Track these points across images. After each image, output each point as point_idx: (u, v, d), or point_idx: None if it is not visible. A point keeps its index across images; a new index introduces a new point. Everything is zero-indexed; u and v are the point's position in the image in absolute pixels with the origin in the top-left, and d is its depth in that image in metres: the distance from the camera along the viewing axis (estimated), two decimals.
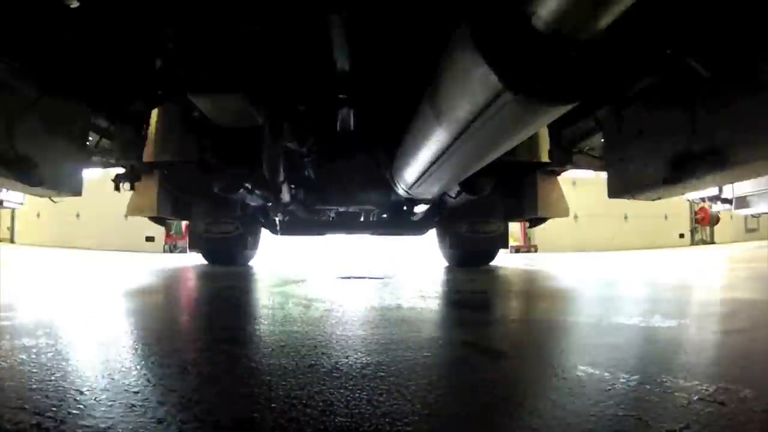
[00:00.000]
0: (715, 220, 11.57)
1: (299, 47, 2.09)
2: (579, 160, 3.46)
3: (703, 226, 12.21)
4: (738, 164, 1.72)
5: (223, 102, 2.21)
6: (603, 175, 2.95)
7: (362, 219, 5.73)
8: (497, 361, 1.10)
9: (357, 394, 0.82)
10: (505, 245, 4.66)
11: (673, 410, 0.74)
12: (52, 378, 0.89)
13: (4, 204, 9.19)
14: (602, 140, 2.83)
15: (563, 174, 4.08)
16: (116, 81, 2.45)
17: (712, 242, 12.28)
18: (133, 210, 3.71)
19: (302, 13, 1.81)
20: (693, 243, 12.29)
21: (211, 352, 1.17)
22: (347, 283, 3.16)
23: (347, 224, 5.05)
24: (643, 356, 1.14)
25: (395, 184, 2.61)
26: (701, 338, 1.31)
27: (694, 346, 1.21)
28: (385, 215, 4.89)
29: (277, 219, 4.54)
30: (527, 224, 4.74)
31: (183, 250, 9.52)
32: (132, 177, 3.32)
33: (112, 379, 0.90)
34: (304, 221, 4.57)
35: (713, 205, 9.83)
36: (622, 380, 0.88)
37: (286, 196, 3.30)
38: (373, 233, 4.93)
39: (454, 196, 3.34)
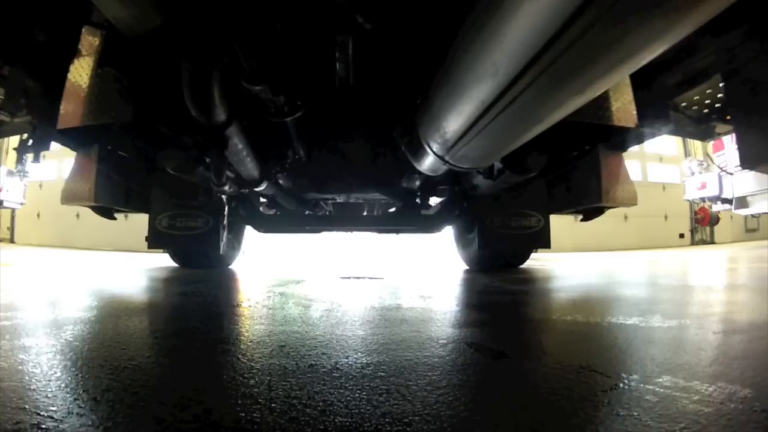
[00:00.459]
0: (715, 220, 11.57)
1: None
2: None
3: (703, 226, 12.21)
4: None
5: None
6: None
7: (365, 213, 5.04)
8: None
9: (357, 395, 0.82)
10: (546, 244, 3.56)
11: None
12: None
13: (4, 204, 9.20)
14: (723, 88, 2.05)
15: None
16: None
17: (712, 242, 12.28)
18: (66, 197, 2.92)
19: None
20: (693, 243, 12.28)
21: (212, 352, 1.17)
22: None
23: (347, 219, 4.40)
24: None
25: (427, 144, 1.80)
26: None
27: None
28: (392, 209, 4.14)
29: (262, 212, 3.96)
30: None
31: None
32: (39, 145, 2.60)
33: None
34: (294, 215, 3.95)
35: (713, 205, 9.84)
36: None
37: (257, 176, 2.62)
38: (378, 230, 4.16)
39: (492, 177, 2.50)
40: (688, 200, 10.67)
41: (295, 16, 1.75)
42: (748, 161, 1.88)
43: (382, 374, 0.95)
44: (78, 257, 6.34)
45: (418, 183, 3.17)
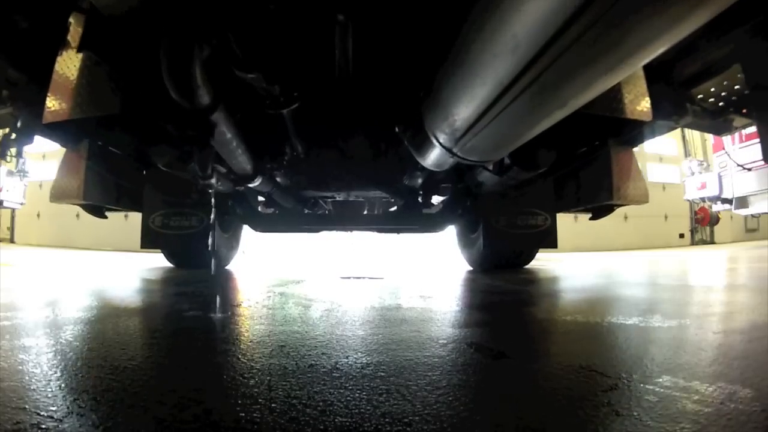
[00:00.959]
0: (715, 220, 11.58)
1: None
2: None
3: (703, 226, 12.21)
4: None
5: None
6: None
7: (365, 212, 4.90)
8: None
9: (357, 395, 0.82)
10: (553, 243, 3.48)
11: None
12: None
13: (4, 204, 9.22)
14: (744, 79, 1.95)
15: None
16: None
17: (712, 242, 12.28)
18: (54, 194, 2.80)
19: None
20: (693, 243, 12.29)
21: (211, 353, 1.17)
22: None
23: (347, 218, 4.26)
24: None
25: (433, 136, 1.69)
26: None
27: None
28: (393, 208, 4.06)
29: (259, 211, 3.87)
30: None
31: None
32: (22, 139, 2.46)
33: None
34: (292, 214, 3.85)
35: (713, 205, 9.85)
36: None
37: (249, 171, 2.50)
38: (379, 230, 4.06)
39: (499, 173, 2.41)
40: (688, 200, 10.68)
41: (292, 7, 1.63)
42: None
43: (382, 374, 0.95)
44: (78, 257, 6.34)
45: (420, 181, 3.05)
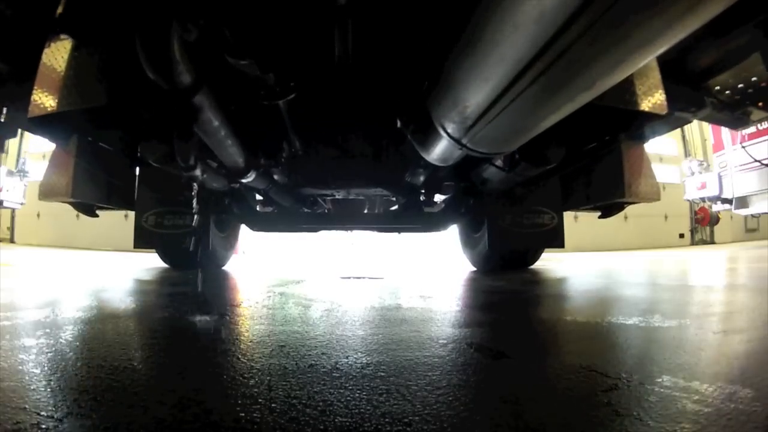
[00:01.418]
0: (715, 220, 11.58)
1: None
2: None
3: (703, 226, 12.21)
4: None
5: None
6: None
7: (366, 211, 4.79)
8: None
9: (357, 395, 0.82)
10: (560, 243, 3.39)
11: None
12: None
13: (4, 204, 9.21)
14: (765, 68, 1.88)
15: None
16: None
17: (712, 242, 12.28)
18: (43, 192, 2.70)
19: None
20: (693, 243, 12.29)
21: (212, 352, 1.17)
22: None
23: (347, 217, 4.18)
24: None
25: (440, 126, 1.57)
26: None
27: None
28: (394, 207, 3.99)
29: (257, 210, 3.79)
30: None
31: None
32: (5, 132, 2.40)
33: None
34: (290, 213, 3.76)
35: (713, 205, 9.85)
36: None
37: (241, 164, 2.40)
38: (379, 229, 3.96)
39: (508, 169, 2.32)
40: (688, 200, 10.67)
41: None
42: None
43: (382, 374, 0.95)
44: (77, 257, 6.34)
45: (422, 178, 2.97)
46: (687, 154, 12.40)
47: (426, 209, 3.57)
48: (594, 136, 2.75)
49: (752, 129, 7.57)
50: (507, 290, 2.58)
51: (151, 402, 0.78)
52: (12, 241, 11.12)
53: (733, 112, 2.33)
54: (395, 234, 4.37)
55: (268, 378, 0.92)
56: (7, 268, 4.15)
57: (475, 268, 4.00)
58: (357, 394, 0.82)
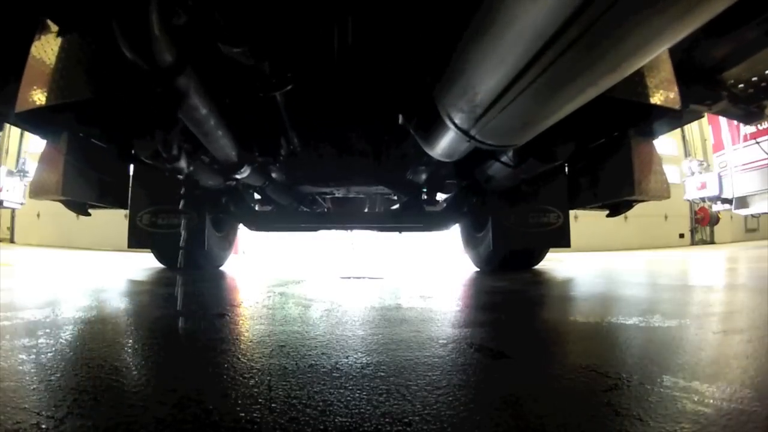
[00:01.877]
0: (715, 220, 11.58)
1: None
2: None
3: (703, 226, 12.22)
4: None
5: None
6: None
7: (366, 210, 4.72)
8: None
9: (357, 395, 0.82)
10: (566, 242, 3.31)
11: None
12: None
13: (5, 204, 9.22)
14: None
15: None
16: None
17: (712, 242, 12.28)
18: (33, 190, 2.63)
19: None
20: (693, 243, 12.29)
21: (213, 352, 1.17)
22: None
23: (347, 216, 4.04)
24: None
25: (447, 117, 1.49)
26: None
27: None
28: (395, 206, 3.90)
29: (254, 209, 3.73)
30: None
31: None
32: None
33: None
34: (289, 212, 3.69)
35: (713, 205, 9.85)
36: None
37: (234, 158, 2.28)
38: (380, 228, 3.87)
39: (515, 165, 2.23)
40: (688, 200, 10.68)
41: None
42: None
43: (382, 374, 0.95)
44: (77, 257, 6.34)
45: (424, 176, 2.89)
46: (687, 154, 12.41)
47: (427, 208, 3.52)
48: (603, 132, 2.68)
49: (752, 129, 7.58)
50: (509, 290, 2.58)
51: (151, 402, 0.78)
52: (12, 241, 11.12)
53: (748, 106, 2.28)
54: (396, 234, 4.30)
55: (268, 378, 0.92)
56: (7, 268, 4.15)
57: (477, 269, 3.96)
58: (357, 394, 0.82)
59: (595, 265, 4.92)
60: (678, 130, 11.82)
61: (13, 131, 10.66)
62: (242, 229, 4.40)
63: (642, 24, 0.79)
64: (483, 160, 2.57)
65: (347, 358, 1.08)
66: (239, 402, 0.78)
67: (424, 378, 0.92)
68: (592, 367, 0.98)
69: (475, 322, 1.59)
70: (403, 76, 1.93)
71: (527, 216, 3.25)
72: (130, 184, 3.21)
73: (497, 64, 1.08)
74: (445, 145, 1.81)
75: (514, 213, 3.26)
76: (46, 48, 2.08)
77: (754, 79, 2.30)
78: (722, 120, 8.19)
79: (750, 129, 7.63)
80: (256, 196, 3.83)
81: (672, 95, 2.09)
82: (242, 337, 1.35)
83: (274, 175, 3.04)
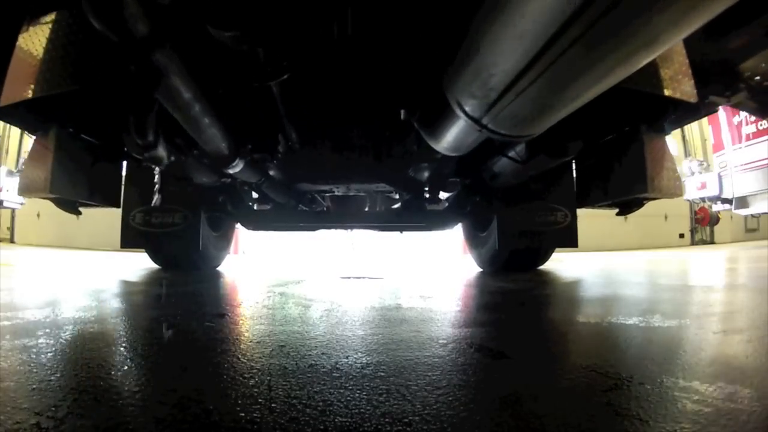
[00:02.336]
0: (715, 220, 11.58)
1: None
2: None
3: (703, 226, 12.21)
4: None
5: None
6: None
7: (367, 208, 4.64)
8: None
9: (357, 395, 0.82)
10: (573, 242, 3.21)
11: None
12: None
13: (5, 204, 9.22)
14: None
15: None
16: None
17: (712, 242, 12.28)
18: (21, 187, 2.54)
19: None
20: (693, 243, 12.28)
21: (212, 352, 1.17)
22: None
23: (347, 215, 3.99)
24: None
25: (457, 104, 1.39)
26: None
27: None
28: (396, 205, 3.79)
29: (252, 208, 3.66)
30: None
31: None
32: None
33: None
34: (287, 211, 3.59)
35: (713, 205, 9.85)
36: None
37: (224, 150, 2.16)
38: (381, 228, 3.79)
39: (521, 158, 2.13)
40: (688, 200, 10.67)
41: None
42: None
43: (382, 374, 0.95)
44: (77, 257, 6.35)
45: (427, 173, 2.80)
46: (687, 154, 12.39)
47: (429, 207, 3.44)
48: (614, 127, 2.56)
49: (753, 129, 7.58)
50: (507, 290, 2.58)
51: (151, 402, 0.78)
52: (12, 241, 11.13)
53: (765, 99, 2.23)
54: (397, 233, 4.22)
55: (268, 378, 0.92)
56: (7, 268, 4.15)
57: (481, 269, 3.89)
58: (357, 394, 0.82)
59: (595, 265, 4.93)
60: (678, 130, 11.82)
61: (13, 131, 10.69)
62: (243, 230, 4.38)
63: None
64: (489, 156, 2.49)
65: (347, 358, 1.08)
66: (239, 402, 0.78)
67: (424, 378, 0.92)
68: (593, 367, 0.98)
69: (474, 322, 1.59)
70: (410, 63, 1.80)
71: (534, 215, 3.16)
72: (123, 182, 3.13)
73: (516, 39, 0.96)
74: (452, 137, 1.69)
75: (520, 212, 3.16)
76: (34, 40, 1.99)
77: None
78: (722, 120, 8.19)
79: (750, 129, 7.63)
80: (254, 194, 3.77)
81: (688, 88, 2.00)
82: (242, 337, 1.35)
83: (271, 172, 2.98)
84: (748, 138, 7.68)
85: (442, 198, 3.43)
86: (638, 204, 2.85)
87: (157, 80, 1.42)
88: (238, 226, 4.16)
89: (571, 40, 0.85)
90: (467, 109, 1.38)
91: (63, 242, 10.09)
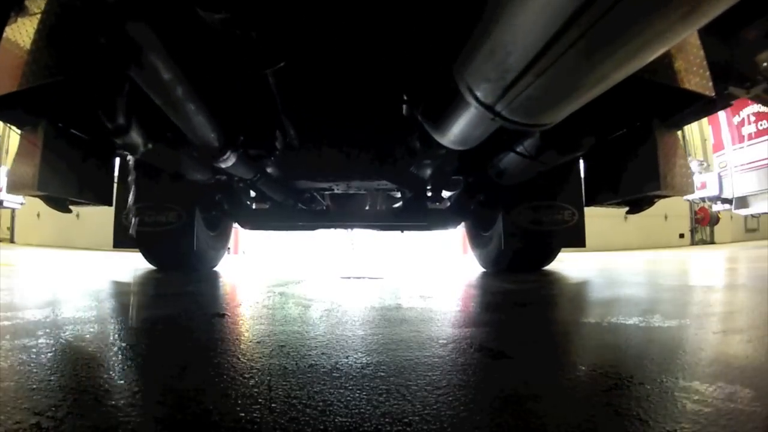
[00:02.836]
0: (715, 220, 11.58)
1: None
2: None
3: (703, 226, 12.21)
4: None
5: None
6: None
7: (367, 207, 4.51)
8: None
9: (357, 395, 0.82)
10: (581, 242, 3.13)
11: None
12: None
13: (4, 204, 9.22)
14: None
15: None
16: None
17: (712, 242, 12.28)
18: (9, 184, 2.47)
19: None
20: (693, 243, 12.28)
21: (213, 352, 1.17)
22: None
23: (346, 214, 3.91)
24: None
25: (468, 90, 1.27)
26: None
27: None
28: (398, 204, 3.69)
29: (250, 207, 3.60)
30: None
31: None
32: None
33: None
34: (286, 210, 3.53)
35: (713, 205, 9.85)
36: None
37: (214, 140, 2.05)
38: (381, 227, 3.72)
39: (530, 154, 2.05)
40: (688, 200, 10.67)
41: None
42: None
43: (382, 374, 0.95)
44: (77, 258, 6.34)
45: (429, 171, 2.71)
46: (687, 154, 12.40)
47: (431, 206, 3.36)
48: (626, 121, 2.47)
49: (753, 129, 7.59)
50: (507, 290, 2.58)
51: (151, 402, 0.78)
52: (12, 241, 11.13)
53: None
54: (398, 233, 4.14)
55: (268, 378, 0.92)
56: (7, 268, 4.15)
57: (484, 269, 3.81)
58: (357, 394, 0.82)
59: (595, 265, 4.93)
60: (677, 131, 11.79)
61: (13, 131, 10.68)
62: (243, 230, 4.33)
63: None
64: (496, 151, 2.41)
65: (347, 358, 1.08)
66: (239, 402, 0.78)
67: (424, 378, 0.92)
68: (593, 367, 0.98)
69: (474, 323, 1.59)
70: (416, 48, 1.67)
71: (540, 213, 3.06)
72: (115, 180, 3.04)
73: (538, 11, 0.85)
74: (461, 128, 1.57)
75: (526, 210, 3.06)
76: (21, 31, 1.92)
77: None
78: (722, 120, 8.19)
79: (750, 129, 7.64)
80: (252, 193, 3.70)
81: (704, 83, 1.91)
82: (242, 337, 1.35)
83: (269, 169, 2.91)
84: (748, 138, 7.69)
85: (444, 196, 3.37)
86: (649, 202, 2.73)
87: (131, 57, 1.30)
88: (237, 225, 4.12)
89: (604, 8, 0.74)
90: (479, 94, 1.27)
91: (63, 242, 10.09)
